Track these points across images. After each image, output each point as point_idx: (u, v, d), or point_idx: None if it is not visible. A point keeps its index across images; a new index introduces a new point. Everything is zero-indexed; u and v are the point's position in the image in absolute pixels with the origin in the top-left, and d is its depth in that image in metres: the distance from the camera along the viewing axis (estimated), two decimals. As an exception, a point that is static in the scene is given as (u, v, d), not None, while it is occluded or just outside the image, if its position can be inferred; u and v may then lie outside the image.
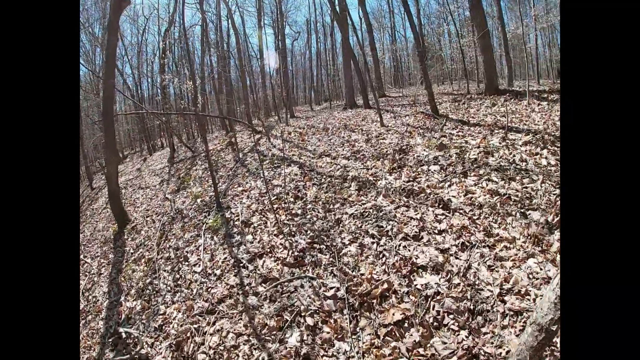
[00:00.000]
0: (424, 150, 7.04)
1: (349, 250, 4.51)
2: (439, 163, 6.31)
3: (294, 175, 7.52)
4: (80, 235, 11.81)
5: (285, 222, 5.56)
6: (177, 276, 5.75)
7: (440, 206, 5.03)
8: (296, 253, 4.65)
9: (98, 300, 6.90)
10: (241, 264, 5.00)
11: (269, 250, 4.98)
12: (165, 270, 6.13)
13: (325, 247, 4.68)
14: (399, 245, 4.35)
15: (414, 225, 4.64)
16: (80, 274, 8.65)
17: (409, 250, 4.21)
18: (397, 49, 29.00)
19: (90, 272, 8.44)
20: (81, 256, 9.79)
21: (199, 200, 8.20)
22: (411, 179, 5.97)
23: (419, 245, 4.30)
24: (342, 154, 8.12)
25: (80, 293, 7.52)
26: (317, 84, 26.64)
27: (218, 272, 5.16)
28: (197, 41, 18.92)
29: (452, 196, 5.21)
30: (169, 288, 5.62)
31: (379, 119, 10.61)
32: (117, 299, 6.55)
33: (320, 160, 8.12)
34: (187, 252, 6.23)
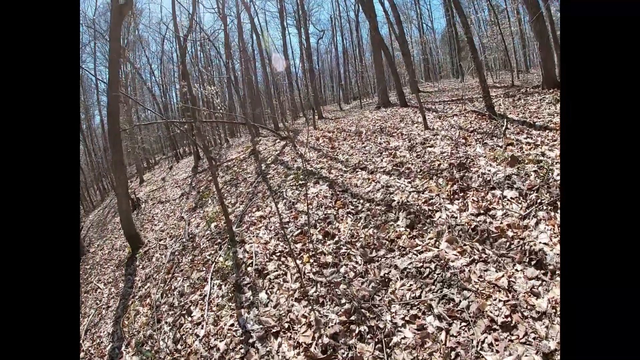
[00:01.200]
0: (490, 164, 5.18)
1: (404, 338, 2.86)
2: (515, 186, 4.44)
3: (322, 197, 5.89)
4: (99, 252, 10.86)
5: (311, 275, 3.96)
6: (178, 335, 4.39)
7: (533, 263, 3.24)
8: (325, 339, 3.02)
9: (102, 342, 5.83)
10: (250, 341, 3.47)
11: (287, 325, 3.40)
12: (167, 323, 4.78)
13: (367, 329, 3.04)
14: (482, 342, 2.63)
15: (500, 302, 2.90)
16: (92, 301, 7.66)
17: (498, 354, 2.49)
18: (425, 41, 26.62)
19: (100, 301, 7.37)
20: (95, 280, 8.84)
21: (212, 226, 6.77)
22: (482, 211, 4.17)
23: (512, 341, 2.57)
24: (381, 167, 6.39)
25: (87, 329, 6.52)
26: (344, 81, 24.83)
27: (222, 345, 3.69)
28: (222, 46, 17.64)
29: (544, 243, 3.40)
30: (167, 350, 4.26)
31: (421, 120, 8.75)
32: (118, 345, 5.41)
33: (354, 175, 6.44)
34: (191, 301, 4.83)
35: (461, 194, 4.65)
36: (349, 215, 5.08)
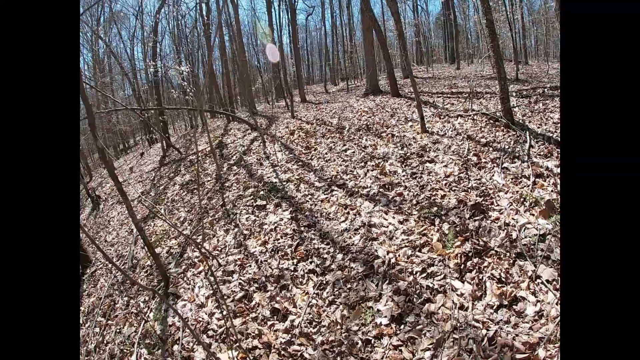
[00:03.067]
0: (514, 208, 3.44)
1: None
2: (553, 257, 2.75)
3: (281, 233, 4.09)
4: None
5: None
6: None
7: None
8: None
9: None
10: None
11: None
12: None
13: None
14: None
15: None
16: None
17: None
18: (420, 23, 24.14)
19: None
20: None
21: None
22: (506, 303, 2.48)
23: None
24: (364, 187, 4.58)
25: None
26: (333, 61, 22.38)
27: None
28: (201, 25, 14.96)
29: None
30: None
31: (416, 117, 6.88)
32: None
33: (328, 197, 4.62)
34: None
35: (476, 263, 2.92)
36: (312, 275, 3.31)
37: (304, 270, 3.39)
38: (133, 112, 11.90)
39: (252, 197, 5.16)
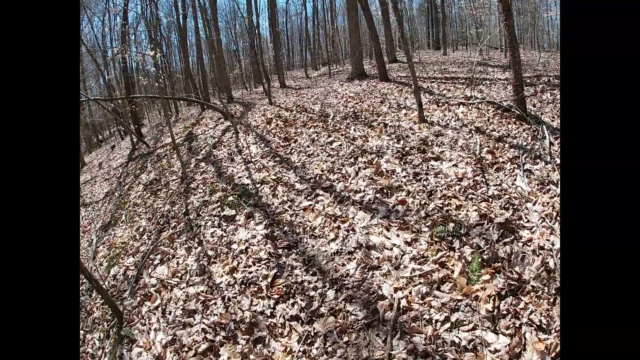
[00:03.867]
0: (549, 229, 2.63)
1: None
2: None
3: (253, 256, 3.14)
4: None
5: None
6: None
7: None
8: None
9: None
10: None
11: None
12: None
13: None
14: None
15: None
16: None
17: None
18: (403, 8, 22.99)
19: None
20: None
21: (111, 273, 3.99)
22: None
23: None
24: (355, 189, 3.68)
25: None
26: (314, 45, 21.02)
27: None
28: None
29: None
30: None
31: (410, 104, 5.99)
32: None
33: (312, 205, 3.69)
34: None
35: (511, 303, 2.11)
36: (296, 323, 2.40)
37: (284, 316, 2.48)
38: (96, 102, 10.42)
39: (219, 203, 4.15)
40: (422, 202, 3.19)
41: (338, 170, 4.23)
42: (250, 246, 3.28)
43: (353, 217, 3.29)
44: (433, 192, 3.32)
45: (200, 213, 4.22)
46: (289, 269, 2.86)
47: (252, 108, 9.03)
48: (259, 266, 2.98)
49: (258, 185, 4.28)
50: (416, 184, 3.52)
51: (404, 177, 3.69)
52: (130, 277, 3.78)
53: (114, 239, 5.05)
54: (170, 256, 3.71)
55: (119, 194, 6.96)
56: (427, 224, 2.91)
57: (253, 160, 5.14)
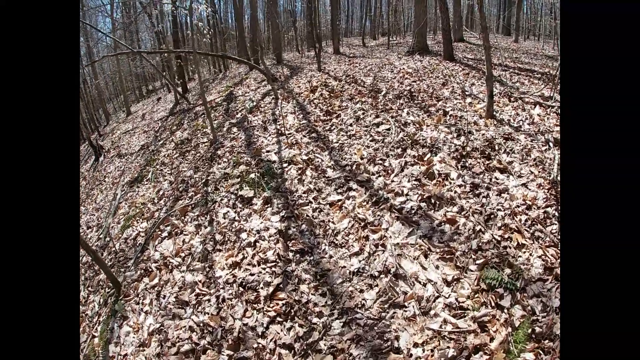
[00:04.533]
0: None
1: None
2: None
3: (259, 255, 2.64)
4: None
5: None
6: None
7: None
8: None
9: None
10: None
11: None
12: None
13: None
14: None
15: None
16: None
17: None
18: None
19: None
20: None
21: (124, 235, 3.80)
22: None
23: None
24: (397, 191, 2.98)
25: None
26: (374, 12, 19.22)
27: None
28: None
29: None
30: None
31: (477, 92, 5.00)
32: None
33: (342, 202, 3.07)
34: None
35: None
36: (286, 354, 1.89)
37: (276, 341, 1.98)
38: (140, 55, 10.22)
39: (239, 179, 3.67)
40: (477, 228, 2.46)
41: (380, 161, 3.53)
42: (260, 240, 2.79)
43: (387, 229, 2.64)
44: (492, 216, 2.55)
45: (219, 187, 3.78)
46: (296, 281, 2.32)
47: (299, 72, 8.30)
48: (264, 268, 2.48)
49: (285, 165, 3.72)
50: (473, 200, 2.75)
51: (459, 186, 2.93)
52: (138, 244, 3.50)
53: (136, 197, 4.85)
54: (179, 231, 3.34)
55: (153, 148, 6.79)
56: (476, 261, 2.19)
57: (287, 132, 4.55)
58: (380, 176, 3.31)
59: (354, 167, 3.50)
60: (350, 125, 4.49)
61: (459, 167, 3.20)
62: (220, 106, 7.04)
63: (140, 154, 7.12)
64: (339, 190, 3.22)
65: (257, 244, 2.77)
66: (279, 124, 4.89)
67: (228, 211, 3.35)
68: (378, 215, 2.80)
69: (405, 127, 4.13)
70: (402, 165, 3.37)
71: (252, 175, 3.66)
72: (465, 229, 2.47)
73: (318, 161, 3.74)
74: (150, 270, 3.00)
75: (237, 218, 3.21)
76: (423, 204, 2.78)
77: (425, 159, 3.38)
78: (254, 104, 6.17)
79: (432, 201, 2.80)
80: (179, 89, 9.87)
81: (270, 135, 4.67)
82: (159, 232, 3.48)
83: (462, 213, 2.63)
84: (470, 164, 3.21)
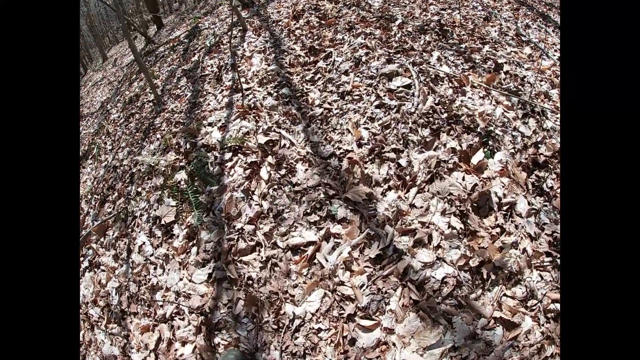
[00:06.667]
0: None
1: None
2: None
3: (178, 336, 1.34)
4: None
5: None
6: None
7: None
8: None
9: None
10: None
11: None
12: None
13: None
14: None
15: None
16: None
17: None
18: None
19: None
20: None
21: None
22: None
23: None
24: (430, 237, 1.54)
25: None
26: None
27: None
28: None
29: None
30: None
31: (542, 46, 3.14)
32: None
33: (314, 247, 1.64)
34: None
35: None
36: None
37: None
38: None
39: (163, 180, 2.20)
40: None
41: (392, 154, 1.97)
42: (178, 315, 1.48)
43: (392, 329, 1.25)
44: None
45: (141, 189, 2.33)
46: None
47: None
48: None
49: (227, 156, 2.17)
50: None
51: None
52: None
53: (82, 184, 3.45)
54: (98, 262, 2.03)
55: (109, 107, 5.14)
56: None
57: (245, 87, 2.87)
58: (390, 190, 1.79)
59: (343, 166, 1.95)
60: (346, 73, 2.75)
61: (530, 187, 1.66)
62: (181, 45, 5.15)
63: (98, 114, 5.51)
64: (312, 219, 1.74)
65: (174, 320, 1.46)
66: (240, 70, 3.17)
67: (144, 242, 1.97)
68: (378, 289, 1.39)
69: (434, 84, 2.43)
70: (432, 168, 1.82)
71: (179, 176, 2.16)
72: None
73: (285, 147, 2.17)
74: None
75: (152, 259, 1.85)
76: (466, 278, 1.33)
77: (475, 160, 1.81)
78: (216, 40, 4.29)
79: (485, 274, 1.34)
80: (137, 28, 7.65)
81: (223, 91, 3.00)
82: (82, 259, 2.17)
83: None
84: (551, 186, 1.65)
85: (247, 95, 2.73)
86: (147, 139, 2.98)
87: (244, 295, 1.55)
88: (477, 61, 2.67)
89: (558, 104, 2.35)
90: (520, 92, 2.35)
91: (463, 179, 1.76)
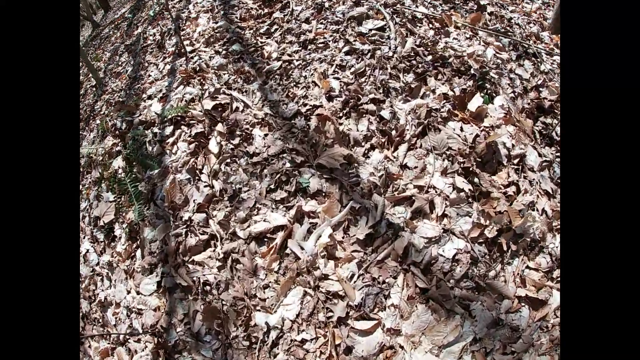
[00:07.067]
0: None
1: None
2: None
3: None
4: None
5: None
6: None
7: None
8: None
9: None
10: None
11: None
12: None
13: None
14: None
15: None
16: None
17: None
18: None
19: None
20: None
21: None
22: None
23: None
24: (434, 204, 1.20)
25: None
26: None
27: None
28: None
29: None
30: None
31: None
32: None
33: (284, 234, 1.28)
34: None
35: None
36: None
37: None
38: None
39: (101, 171, 1.76)
40: None
41: (373, 105, 1.58)
42: (132, 336, 1.16)
43: (407, 342, 0.93)
44: None
45: (81, 186, 1.89)
46: None
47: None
48: None
49: (167, 131, 1.73)
50: None
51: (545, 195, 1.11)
52: None
53: None
54: None
55: None
56: None
57: (189, 49, 2.37)
58: (373, 149, 1.42)
59: (312, 125, 1.55)
60: (307, 21, 2.29)
61: (537, 136, 1.35)
62: (125, 21, 4.46)
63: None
64: (278, 196, 1.36)
65: (127, 344, 1.10)
66: (185, 34, 2.65)
67: (88, 250, 1.57)
68: (373, 279, 1.05)
69: (414, 27, 2.02)
70: (422, 119, 1.45)
71: (116, 163, 1.71)
72: None
73: (237, 111, 1.74)
74: None
75: (98, 269, 1.46)
76: (481, 252, 1.01)
77: (472, 107, 1.45)
78: (160, 7, 3.67)
79: (505, 245, 1.03)
80: (97, 12, 6.68)
81: (165, 58, 2.49)
82: None
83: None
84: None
85: (192, 58, 2.24)
86: (87, 128, 2.48)
87: (202, 306, 1.18)
88: (457, 2, 2.27)
89: (551, 46, 2.02)
90: (510, 33, 1.98)
91: (461, 129, 1.41)
